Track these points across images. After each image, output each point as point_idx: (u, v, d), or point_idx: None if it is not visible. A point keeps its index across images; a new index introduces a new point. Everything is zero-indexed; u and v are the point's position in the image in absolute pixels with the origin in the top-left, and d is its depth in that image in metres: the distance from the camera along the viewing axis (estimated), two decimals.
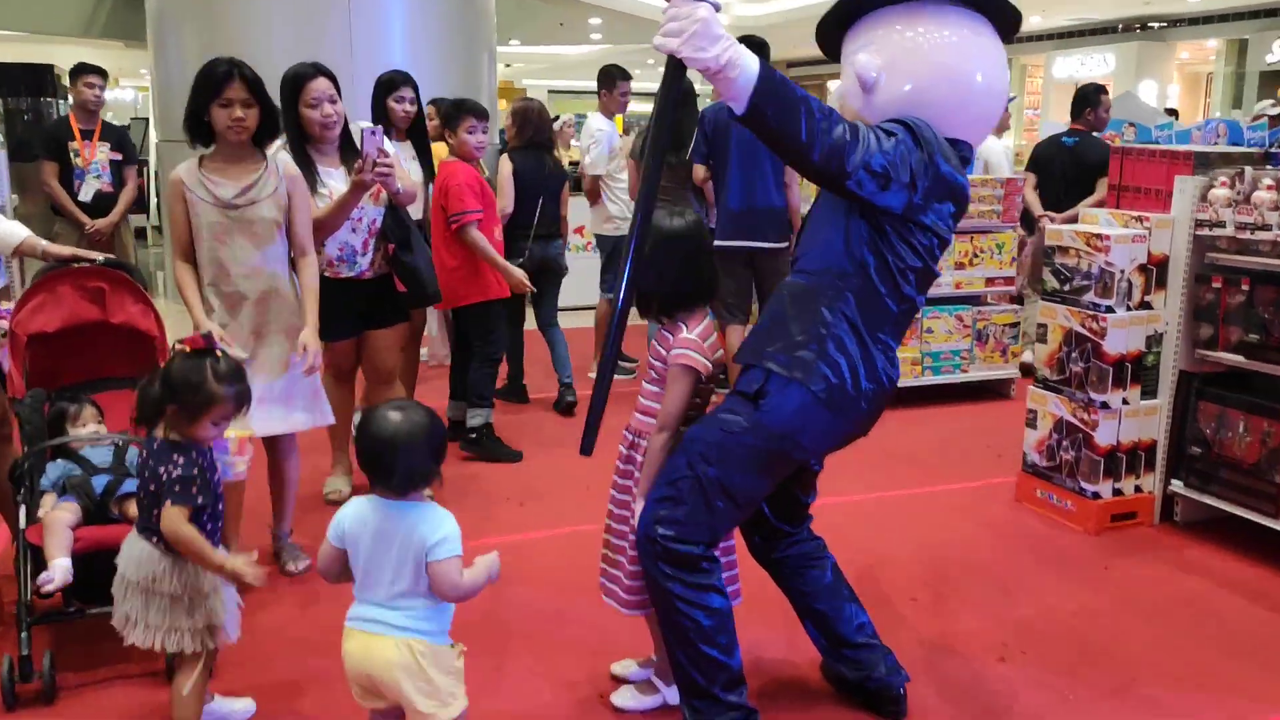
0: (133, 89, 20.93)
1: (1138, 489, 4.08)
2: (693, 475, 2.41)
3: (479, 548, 2.33)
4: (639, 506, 2.52)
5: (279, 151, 3.60)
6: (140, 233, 10.83)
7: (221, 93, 3.12)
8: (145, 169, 9.71)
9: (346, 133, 3.84)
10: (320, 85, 3.66)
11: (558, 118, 12.49)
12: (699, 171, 5.38)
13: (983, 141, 2.56)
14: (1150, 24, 17.75)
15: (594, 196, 6.38)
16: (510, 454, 4.83)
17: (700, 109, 5.55)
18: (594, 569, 2.81)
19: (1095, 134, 6.55)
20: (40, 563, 2.76)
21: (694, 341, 2.52)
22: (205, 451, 2.42)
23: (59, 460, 3.00)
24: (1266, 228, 3.61)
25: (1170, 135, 7.33)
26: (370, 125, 3.62)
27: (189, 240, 3.25)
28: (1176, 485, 4.04)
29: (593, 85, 6.28)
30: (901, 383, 4.14)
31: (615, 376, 6.56)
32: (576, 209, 7.58)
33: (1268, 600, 3.46)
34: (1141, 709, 2.82)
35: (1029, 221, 6.34)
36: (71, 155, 6.11)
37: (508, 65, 23.15)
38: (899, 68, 2.41)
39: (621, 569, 2.66)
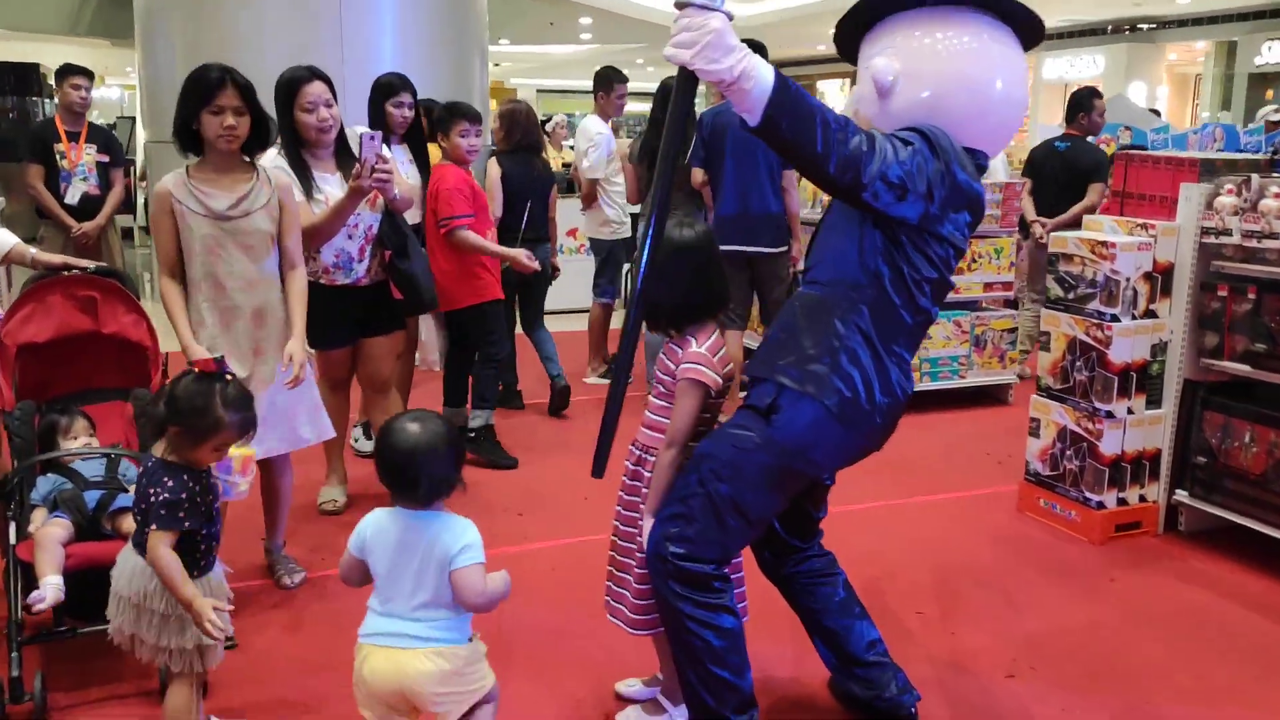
0: (119, 87, 20.79)
1: (1142, 498, 4.05)
2: (704, 492, 2.35)
3: None
4: (647, 524, 2.46)
5: (274, 160, 3.54)
6: (127, 233, 10.72)
7: (213, 100, 3.00)
8: (133, 169, 9.59)
9: (342, 137, 3.77)
10: (316, 89, 3.59)
11: (550, 118, 12.45)
12: (696, 175, 5.33)
13: (1000, 151, 2.51)
14: (1140, 25, 17.80)
15: (590, 200, 6.32)
16: (506, 460, 4.79)
17: (698, 112, 5.49)
18: (596, 582, 2.76)
19: (1089, 138, 6.54)
20: (31, 580, 2.69)
21: (704, 356, 2.47)
22: (201, 474, 2.35)
23: (49, 474, 2.93)
24: (1274, 236, 3.58)
25: (1166, 139, 7.36)
26: (369, 130, 3.55)
27: (177, 255, 3.12)
28: (1181, 495, 4.00)
29: (581, 84, 6.24)
30: None
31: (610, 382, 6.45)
32: (566, 211, 7.54)
33: (1277, 613, 3.42)
34: None
35: (1026, 227, 6.31)
36: (58, 158, 6.02)
37: (496, 64, 23.05)
38: (917, 73, 2.36)
39: (628, 588, 2.60)
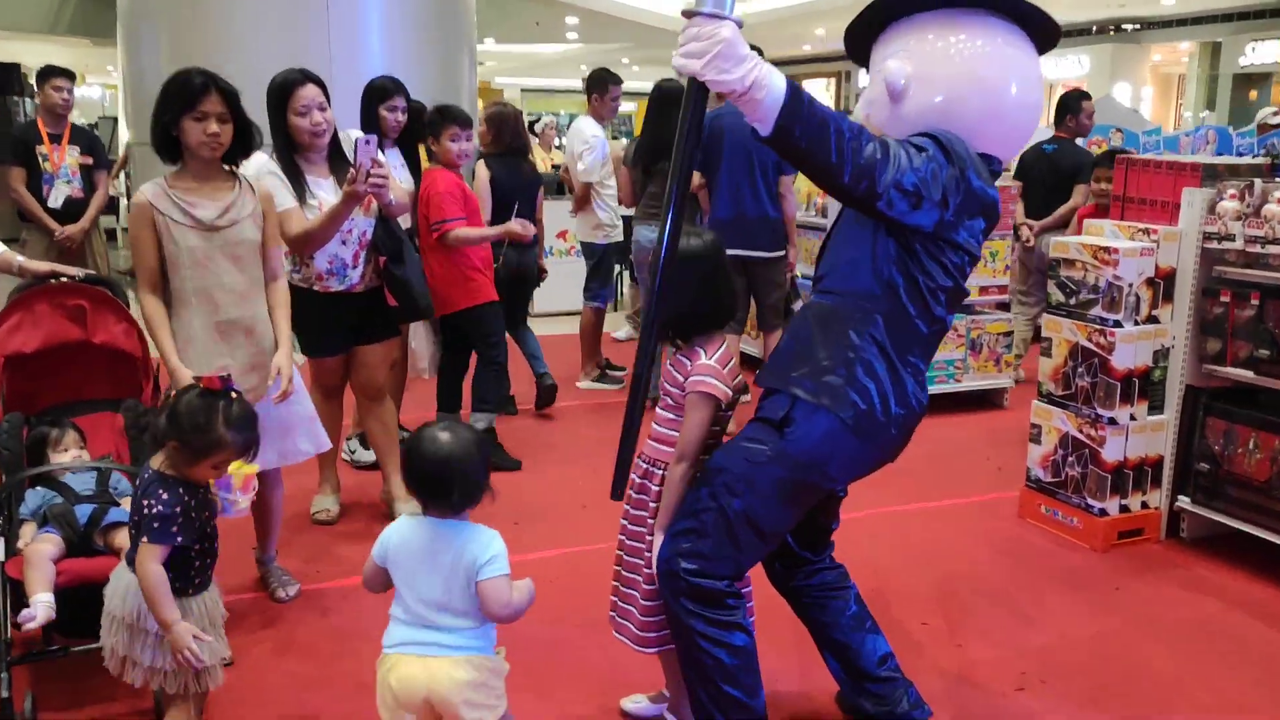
0: (100, 86, 20.60)
1: (1144, 505, 4.02)
2: (716, 507, 2.30)
3: None
4: (658, 540, 2.41)
5: (266, 164, 3.47)
6: (110, 234, 10.60)
7: (196, 105, 2.89)
8: (120, 169, 9.46)
9: (335, 141, 3.70)
10: (309, 92, 3.52)
11: (538, 118, 12.37)
12: (693, 179, 5.28)
13: (1014, 156, 2.47)
14: (1124, 26, 17.86)
15: (583, 203, 6.26)
16: (510, 462, 4.76)
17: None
18: (596, 593, 2.71)
19: (1078, 140, 6.54)
20: (21, 598, 2.61)
21: (713, 368, 2.42)
22: (198, 490, 2.29)
23: (39, 488, 2.85)
24: (1277, 242, 3.55)
25: (1158, 141, 7.36)
26: (364, 135, 3.48)
27: (159, 270, 2.98)
28: (1184, 501, 3.98)
29: (566, 84, 6.20)
30: None
31: (603, 387, 6.46)
32: (555, 214, 7.48)
33: None
34: None
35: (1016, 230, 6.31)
36: (40, 160, 5.92)
37: (481, 63, 22.97)
38: (930, 77, 2.31)
39: (634, 604, 2.55)
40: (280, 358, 3.12)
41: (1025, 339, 6.43)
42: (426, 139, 4.65)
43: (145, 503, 2.26)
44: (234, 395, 2.29)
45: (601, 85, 6.01)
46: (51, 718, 2.72)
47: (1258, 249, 3.63)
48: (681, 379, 2.45)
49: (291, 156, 3.59)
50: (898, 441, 2.38)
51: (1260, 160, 4.14)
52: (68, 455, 2.93)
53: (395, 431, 4.17)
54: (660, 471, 2.48)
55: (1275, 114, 6.26)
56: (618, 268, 6.55)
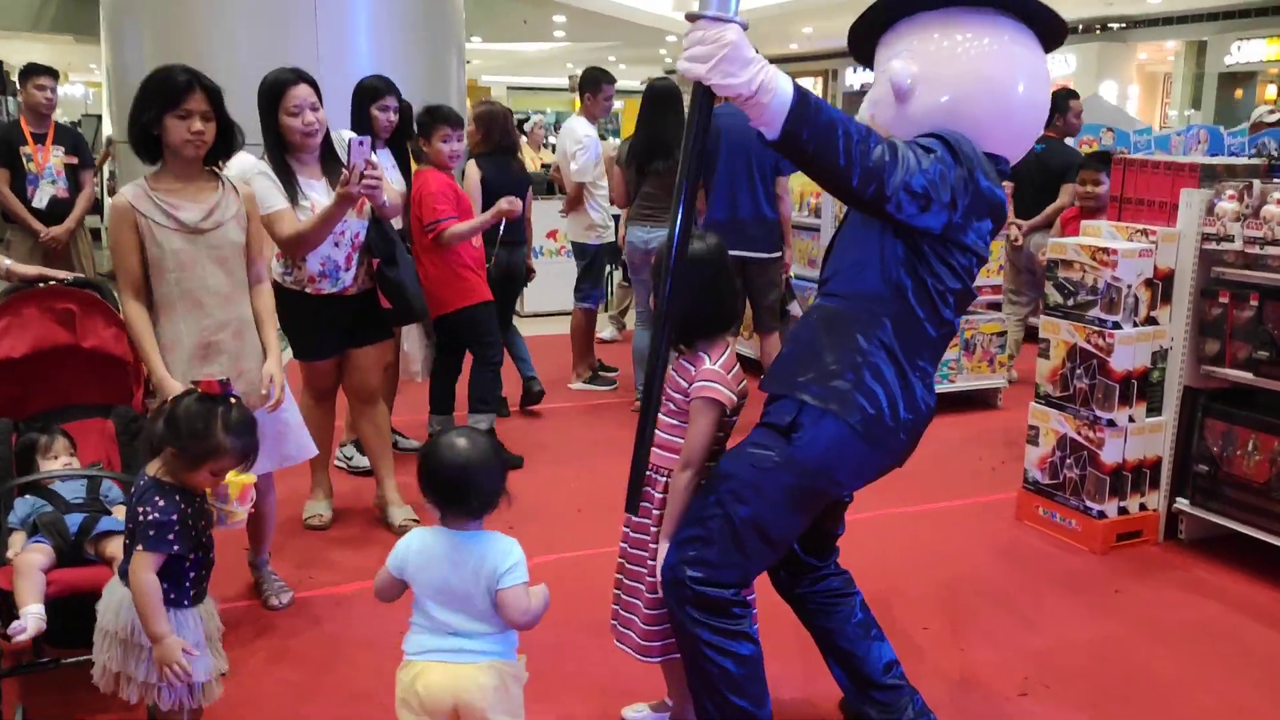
0: (82, 84, 20.44)
1: (1142, 507, 4.01)
2: (722, 514, 2.27)
3: None
4: (662, 548, 2.37)
5: (256, 165, 3.41)
6: (95, 234, 10.49)
7: (180, 103, 2.82)
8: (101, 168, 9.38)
9: (327, 141, 3.65)
10: (301, 92, 3.47)
11: (529, 118, 12.31)
12: None
13: (1021, 156, 2.43)
14: (1110, 25, 17.91)
15: (575, 203, 6.22)
16: (512, 460, 4.72)
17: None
18: (595, 598, 2.67)
19: (1066, 139, 6.52)
20: (10, 609, 2.54)
21: (717, 373, 2.38)
22: (195, 498, 2.24)
23: (28, 496, 2.78)
24: (1276, 243, 3.54)
25: (1149, 141, 7.35)
26: (358, 136, 3.43)
27: (142, 274, 2.89)
28: (1182, 503, 3.96)
29: (552, 82, 6.16)
30: None
31: (595, 388, 6.41)
32: (544, 213, 7.43)
33: None
34: None
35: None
36: (24, 160, 5.83)
37: (468, 61, 22.90)
38: (936, 77, 2.28)
39: (637, 612, 2.51)
40: (271, 365, 3.06)
41: (1018, 339, 6.42)
42: (416, 139, 4.61)
43: (141, 510, 2.21)
44: (233, 400, 2.24)
45: (594, 84, 5.97)
46: None
47: (1256, 250, 3.61)
48: (685, 384, 2.41)
49: (283, 157, 3.54)
50: (906, 446, 2.35)
51: (1258, 161, 4.12)
52: (57, 462, 2.87)
53: (389, 435, 4.13)
54: (663, 478, 2.45)
55: (1271, 112, 6.26)
56: (609, 268, 6.50)
